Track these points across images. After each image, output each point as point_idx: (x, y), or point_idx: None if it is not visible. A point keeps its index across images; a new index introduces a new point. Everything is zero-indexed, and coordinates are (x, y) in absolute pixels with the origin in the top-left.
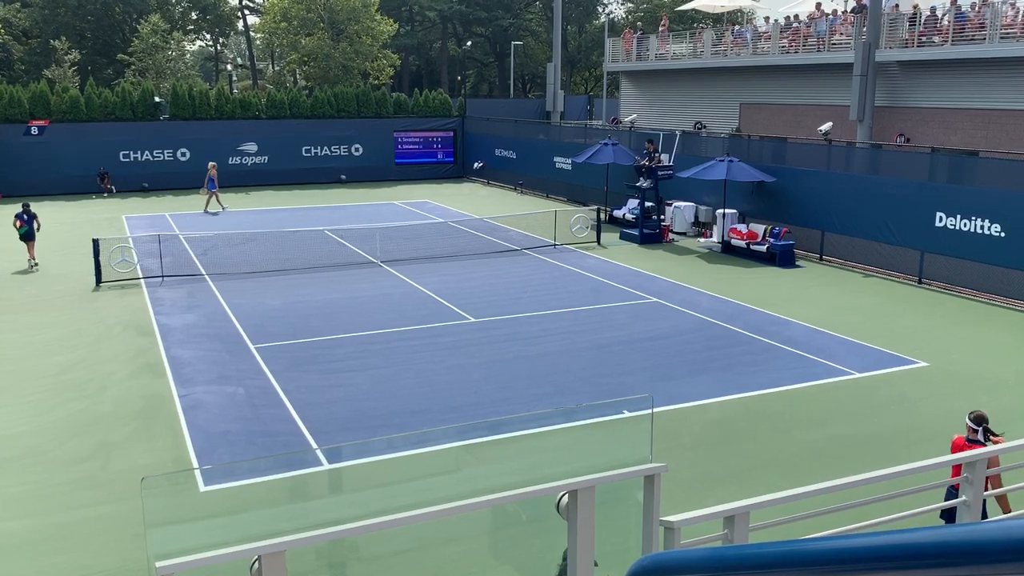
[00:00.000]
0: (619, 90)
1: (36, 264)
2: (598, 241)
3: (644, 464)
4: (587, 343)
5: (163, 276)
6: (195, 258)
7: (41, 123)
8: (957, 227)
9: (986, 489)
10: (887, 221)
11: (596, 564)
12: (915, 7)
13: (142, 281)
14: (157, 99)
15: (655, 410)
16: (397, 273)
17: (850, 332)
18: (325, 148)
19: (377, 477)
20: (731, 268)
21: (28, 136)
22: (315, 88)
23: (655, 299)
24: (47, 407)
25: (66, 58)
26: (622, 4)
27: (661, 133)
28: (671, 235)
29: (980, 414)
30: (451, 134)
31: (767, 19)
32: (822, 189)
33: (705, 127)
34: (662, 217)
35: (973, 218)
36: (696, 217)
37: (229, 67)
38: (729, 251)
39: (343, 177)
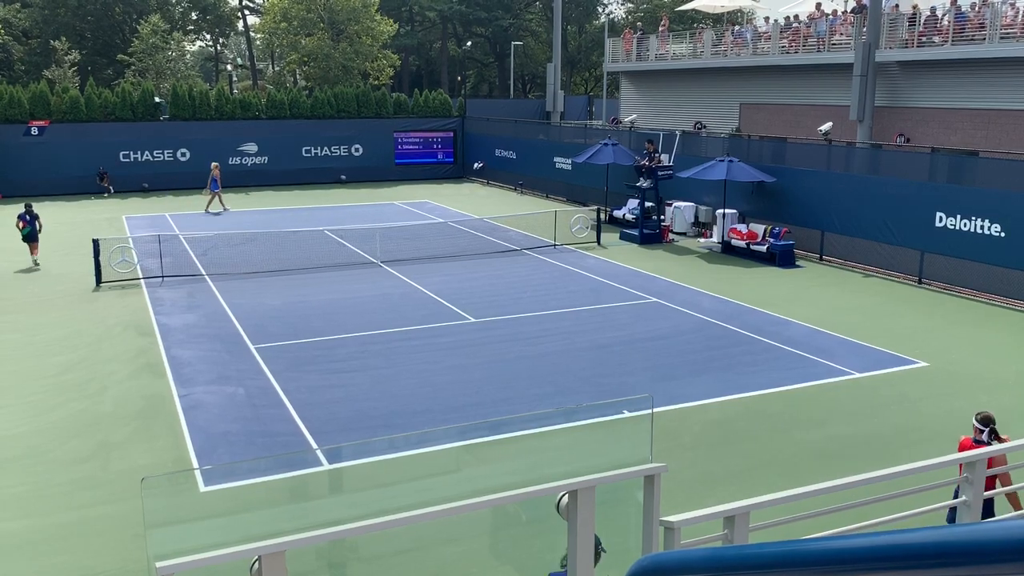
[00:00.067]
0: (619, 90)
1: (38, 263)
2: (598, 241)
3: (644, 464)
4: (587, 343)
5: (163, 276)
6: (195, 258)
7: (41, 123)
8: (957, 227)
9: (995, 487)
10: (887, 221)
11: (604, 551)
12: (915, 7)
13: (142, 281)
14: (157, 99)
15: (655, 410)
16: (397, 273)
17: (850, 332)
18: (325, 148)
19: (377, 477)
20: (731, 268)
21: (28, 136)
22: (315, 88)
23: (655, 299)
24: (47, 407)
25: (66, 58)
26: (622, 4)
27: (661, 133)
28: (671, 235)
29: (987, 415)
30: (451, 134)
31: (767, 19)
32: (822, 189)
33: (705, 127)
34: (662, 217)
35: (973, 218)
36: (696, 217)
37: (229, 67)
38: (729, 251)
39: (343, 177)
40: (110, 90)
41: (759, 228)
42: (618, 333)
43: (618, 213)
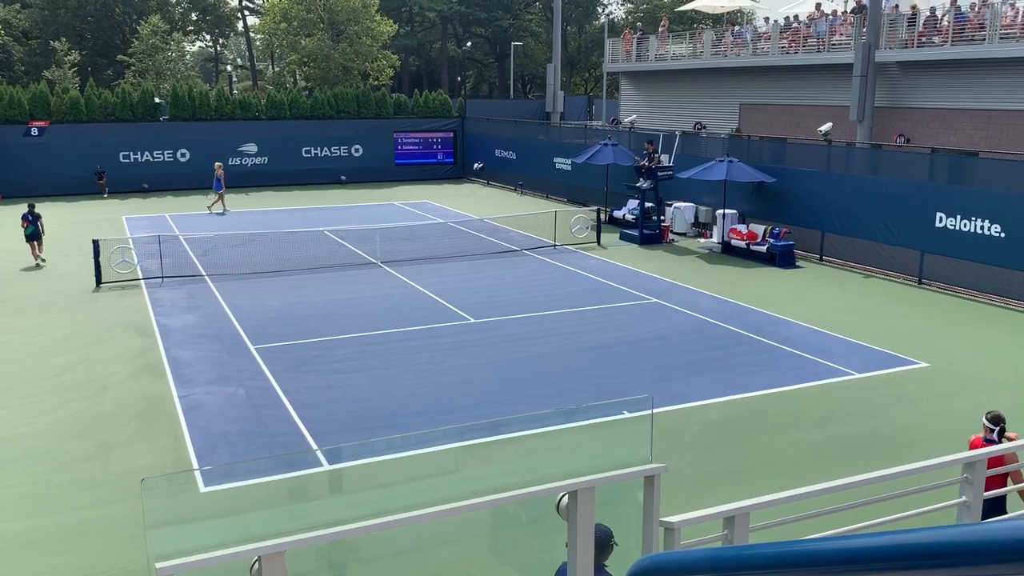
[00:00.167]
0: (619, 91)
1: (44, 261)
2: (598, 242)
3: (644, 464)
4: (587, 343)
5: (163, 277)
6: (195, 259)
7: (41, 124)
8: (957, 227)
9: (1005, 486)
10: (887, 221)
11: (616, 543)
12: (915, 7)
13: (142, 282)
14: (157, 100)
15: (655, 410)
16: (397, 274)
17: (850, 332)
18: (325, 149)
19: (377, 478)
20: (731, 268)
21: (28, 137)
22: (315, 89)
23: (655, 299)
24: (47, 408)
25: (66, 59)
26: (622, 4)
27: (661, 134)
28: (671, 235)
29: (997, 414)
30: (451, 135)
31: (767, 19)
32: (822, 189)
33: (705, 127)
34: (662, 218)
35: (973, 218)
36: (696, 217)
37: (229, 68)
38: (729, 251)
39: (343, 178)
40: (110, 91)
41: (759, 228)
42: (618, 333)
43: (618, 213)
